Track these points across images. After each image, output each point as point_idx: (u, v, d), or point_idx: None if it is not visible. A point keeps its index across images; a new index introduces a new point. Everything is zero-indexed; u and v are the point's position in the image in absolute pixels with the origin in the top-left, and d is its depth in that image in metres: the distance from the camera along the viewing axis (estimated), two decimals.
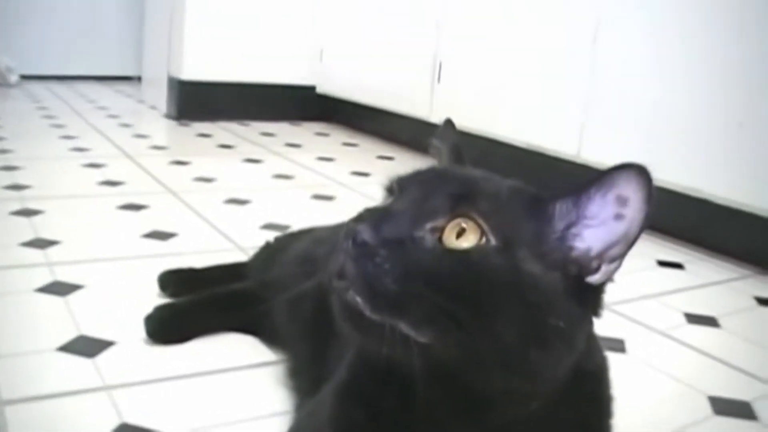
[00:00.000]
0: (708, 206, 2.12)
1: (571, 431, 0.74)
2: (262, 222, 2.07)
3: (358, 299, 0.62)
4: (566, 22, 2.55)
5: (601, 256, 0.67)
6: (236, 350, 1.31)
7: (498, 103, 2.82)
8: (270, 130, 3.66)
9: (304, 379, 1.10)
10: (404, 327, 0.62)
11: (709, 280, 1.93)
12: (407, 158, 3.25)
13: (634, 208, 0.65)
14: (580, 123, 2.47)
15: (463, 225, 0.64)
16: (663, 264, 2.02)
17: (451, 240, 0.64)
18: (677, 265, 2.02)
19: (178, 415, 1.09)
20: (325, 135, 3.73)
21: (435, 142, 0.86)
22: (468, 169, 0.77)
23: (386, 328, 0.62)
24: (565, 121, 2.53)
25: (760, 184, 1.99)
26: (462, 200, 0.65)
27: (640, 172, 0.64)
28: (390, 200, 0.70)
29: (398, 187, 0.70)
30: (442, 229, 0.64)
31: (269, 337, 1.32)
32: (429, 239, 0.64)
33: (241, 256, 1.75)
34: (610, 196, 0.66)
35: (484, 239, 0.64)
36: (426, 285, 0.61)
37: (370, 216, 0.65)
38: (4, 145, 2.85)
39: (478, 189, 0.68)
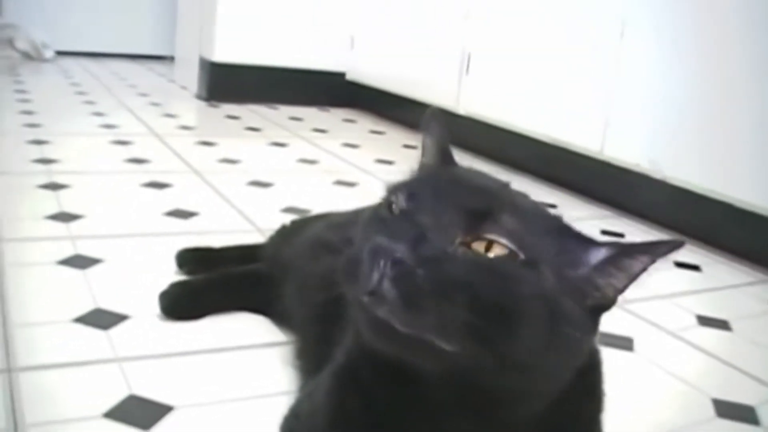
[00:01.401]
0: (728, 209, 2.12)
1: (568, 425, 0.76)
2: (283, 205, 2.09)
3: (393, 317, 0.62)
4: (593, 17, 2.55)
5: (616, 289, 0.70)
6: (247, 329, 1.34)
7: (524, 97, 2.83)
8: (298, 115, 3.68)
9: (310, 361, 1.12)
10: (434, 339, 0.63)
11: (724, 283, 1.93)
12: None
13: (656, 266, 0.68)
14: (605, 120, 2.47)
15: (492, 241, 0.65)
16: (680, 265, 2.02)
17: (480, 249, 0.65)
18: (694, 267, 2.02)
19: (185, 390, 1.11)
20: (353, 122, 3.74)
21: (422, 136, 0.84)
22: (478, 173, 0.77)
23: (415, 339, 0.63)
24: (590, 118, 2.53)
25: None
26: (488, 218, 0.66)
27: (677, 246, 0.68)
28: (403, 206, 0.69)
29: (407, 195, 0.69)
30: (470, 243, 0.65)
31: (280, 318, 1.34)
32: (460, 252, 0.64)
33: (260, 238, 1.77)
34: (647, 259, 0.69)
35: (511, 252, 0.65)
36: (460, 298, 0.62)
37: (398, 233, 0.65)
38: (35, 119, 2.89)
39: (501, 204, 0.68)
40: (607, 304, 0.70)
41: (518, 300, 0.64)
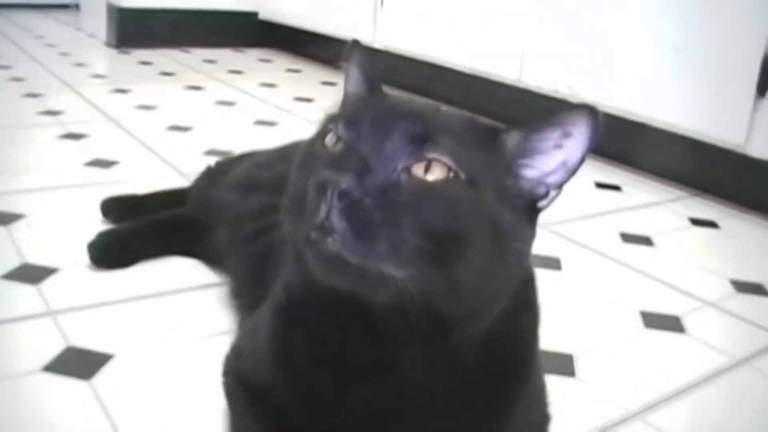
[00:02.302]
0: (646, 130, 2.17)
1: (509, 340, 0.78)
2: (205, 148, 2.07)
3: (344, 249, 0.62)
4: None
5: (545, 183, 0.70)
6: (180, 273, 1.33)
7: (441, 29, 2.82)
8: (212, 57, 3.62)
9: (246, 299, 1.13)
10: (387, 267, 0.63)
11: (645, 202, 1.98)
12: None
13: (575, 141, 0.68)
14: (521, 48, 2.49)
15: (430, 161, 0.65)
16: (601, 186, 2.07)
17: (420, 173, 0.65)
18: (615, 187, 2.08)
19: (123, 337, 1.11)
20: (269, 61, 3.70)
21: (344, 65, 0.83)
22: (412, 99, 0.76)
23: (367, 270, 0.63)
24: (507, 47, 2.55)
25: (696, 108, 2.03)
26: (427, 141, 0.66)
27: (589, 112, 0.67)
28: (343, 137, 0.68)
29: (345, 124, 0.69)
30: (410, 167, 0.65)
31: (211, 260, 1.34)
32: (404, 179, 0.65)
33: (184, 182, 1.75)
34: (557, 131, 0.69)
35: (452, 174, 0.65)
36: (409, 224, 0.63)
37: (341, 165, 0.64)
38: None
39: (439, 126, 0.68)
40: (540, 198, 0.71)
41: (464, 220, 0.65)
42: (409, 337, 0.70)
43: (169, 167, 1.90)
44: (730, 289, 1.50)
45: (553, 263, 1.52)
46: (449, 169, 0.65)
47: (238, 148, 2.03)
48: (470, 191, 0.66)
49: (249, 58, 3.73)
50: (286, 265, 0.85)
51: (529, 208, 0.71)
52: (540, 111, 2.46)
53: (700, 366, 1.20)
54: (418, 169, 0.65)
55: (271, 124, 2.43)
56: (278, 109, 2.66)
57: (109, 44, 3.75)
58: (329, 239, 0.62)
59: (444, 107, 0.75)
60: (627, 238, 1.70)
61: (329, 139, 0.69)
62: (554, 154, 0.69)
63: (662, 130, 2.13)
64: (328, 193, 0.62)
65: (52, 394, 0.97)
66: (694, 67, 2.01)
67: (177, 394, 1.00)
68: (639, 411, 1.07)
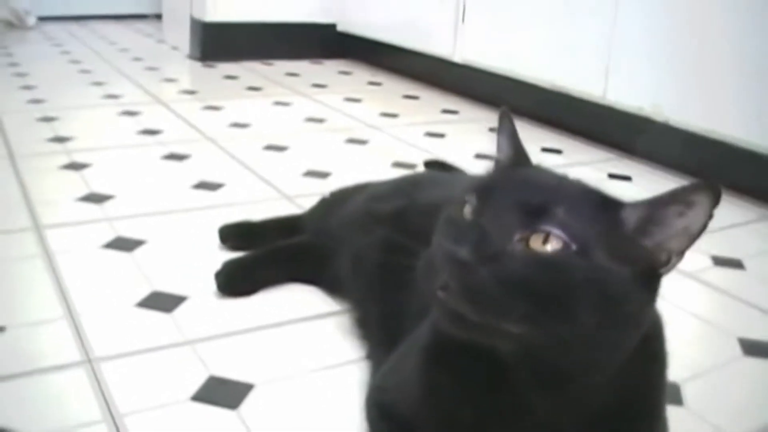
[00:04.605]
0: (728, 148, 2.18)
1: (637, 389, 0.84)
2: (304, 169, 2.14)
3: (461, 308, 0.71)
4: None
5: (666, 250, 0.75)
6: (303, 301, 1.40)
7: (522, 44, 2.86)
8: (294, 70, 3.70)
9: (374, 330, 1.19)
10: (501, 324, 0.71)
11: (729, 222, 1.99)
12: (432, 97, 3.30)
13: (698, 210, 0.72)
14: (605, 65, 2.51)
15: (548, 233, 0.71)
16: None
17: (537, 245, 0.71)
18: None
19: (259, 366, 1.18)
20: (348, 74, 3.77)
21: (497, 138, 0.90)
22: (542, 173, 0.83)
23: (485, 325, 0.71)
24: (591, 63, 2.57)
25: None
26: (543, 214, 0.72)
27: (712, 191, 0.71)
28: (474, 209, 0.76)
29: (479, 195, 0.76)
30: (528, 237, 0.71)
31: (331, 288, 1.41)
32: (518, 250, 0.71)
33: (288, 205, 1.83)
34: (680, 206, 0.73)
35: (565, 244, 0.71)
36: (519, 290, 0.70)
37: (464, 235, 0.73)
38: (37, 94, 2.91)
39: (556, 199, 0.74)
40: (661, 265, 0.75)
41: (571, 289, 0.71)
42: (535, 384, 0.78)
43: (272, 189, 1.97)
44: None
45: None
46: (564, 240, 0.71)
47: (335, 168, 2.12)
48: (580, 261, 0.71)
49: (329, 71, 3.80)
50: (423, 306, 0.92)
51: (650, 274, 0.75)
52: (624, 128, 2.52)
53: None
54: (536, 240, 0.71)
55: (362, 142, 2.50)
56: (366, 125, 2.72)
57: (192, 57, 3.87)
58: (451, 299, 0.71)
59: (570, 177, 0.81)
60: (718, 261, 1.73)
61: (466, 210, 0.77)
62: (675, 223, 0.73)
63: (743, 149, 2.14)
64: (448, 261, 0.71)
65: (204, 423, 1.05)
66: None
67: (317, 422, 1.06)
68: None
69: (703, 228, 0.73)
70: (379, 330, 1.17)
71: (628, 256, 0.73)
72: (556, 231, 0.71)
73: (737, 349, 1.36)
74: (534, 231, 0.71)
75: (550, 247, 0.71)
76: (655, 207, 0.74)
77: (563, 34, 2.68)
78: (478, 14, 3.10)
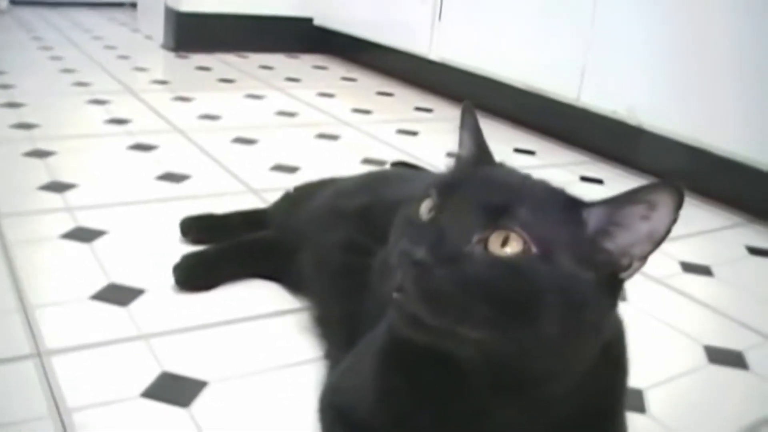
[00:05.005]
0: (702, 155, 2.18)
1: (598, 396, 0.82)
2: (272, 163, 2.11)
3: (418, 311, 0.69)
4: None
5: (629, 254, 0.72)
6: (261, 297, 1.37)
7: (499, 44, 2.84)
8: (268, 63, 3.67)
9: (334, 329, 1.17)
10: (459, 328, 0.69)
11: (704, 228, 1.99)
12: (407, 94, 3.28)
13: (661, 213, 0.70)
14: (581, 67, 2.50)
15: (508, 234, 0.69)
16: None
17: (496, 247, 0.69)
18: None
19: (214, 363, 1.15)
20: (324, 68, 3.74)
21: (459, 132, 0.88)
22: (504, 172, 0.81)
23: (443, 329, 0.69)
24: (566, 64, 2.56)
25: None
26: (504, 213, 0.70)
27: (674, 190, 0.69)
28: (434, 207, 0.74)
29: (440, 192, 0.74)
30: (487, 238, 0.69)
31: (292, 285, 1.38)
32: (477, 252, 0.69)
33: (254, 199, 1.80)
34: (642, 206, 0.71)
35: (526, 246, 0.69)
36: (478, 294, 0.68)
37: (422, 235, 0.71)
38: (6, 79, 2.85)
39: (519, 199, 0.72)
40: (623, 270, 0.73)
41: (533, 294, 0.68)
42: (494, 389, 0.76)
43: (239, 183, 1.94)
44: None
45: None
46: (524, 241, 0.69)
47: (304, 163, 2.10)
48: (542, 265, 0.69)
49: (304, 65, 3.77)
50: (382, 307, 0.90)
51: (612, 279, 0.73)
52: (597, 131, 2.51)
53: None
54: (495, 241, 0.69)
55: (333, 138, 2.47)
56: (338, 121, 2.69)
57: (166, 47, 3.82)
58: (407, 300, 0.69)
59: (534, 178, 0.79)
60: (687, 267, 1.72)
61: (424, 207, 0.75)
62: (639, 227, 0.71)
63: (721, 157, 2.13)
64: (404, 262, 0.69)
65: (153, 420, 1.02)
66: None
67: (272, 422, 1.04)
68: None
69: (668, 232, 0.71)
70: (338, 329, 1.14)
71: (592, 261, 0.71)
72: (517, 229, 0.69)
73: (702, 357, 1.35)
74: (495, 229, 0.69)
75: (510, 250, 0.69)
76: (616, 206, 0.72)
77: (539, 35, 2.67)
78: (454, 12, 3.08)
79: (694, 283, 1.65)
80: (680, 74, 2.21)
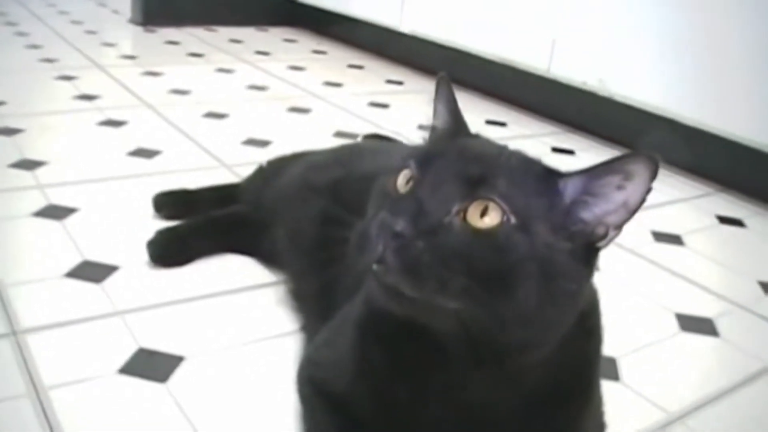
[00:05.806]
0: (673, 125, 2.20)
1: (573, 365, 0.83)
2: (243, 137, 2.11)
3: (398, 283, 0.69)
4: None
5: (605, 223, 0.73)
6: (235, 272, 1.38)
7: (469, 15, 2.83)
8: (238, 37, 3.64)
9: (310, 302, 1.17)
10: (438, 300, 0.69)
11: (672, 198, 2.02)
12: (377, 66, 3.28)
13: (637, 182, 0.71)
14: (551, 38, 2.50)
15: (486, 204, 0.69)
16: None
17: (475, 219, 0.69)
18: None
19: (191, 339, 1.16)
20: (294, 41, 3.71)
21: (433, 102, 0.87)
22: (481, 143, 0.81)
23: (422, 301, 0.69)
24: (536, 36, 2.56)
25: (729, 107, 2.06)
26: (482, 183, 0.70)
27: (650, 160, 0.70)
28: (412, 179, 0.74)
29: (418, 164, 0.74)
30: (466, 209, 0.70)
31: (267, 259, 1.38)
32: (456, 223, 0.69)
33: (227, 173, 1.80)
34: (618, 176, 0.71)
35: (505, 217, 0.69)
36: (457, 265, 0.68)
37: (401, 207, 0.70)
38: None
39: (497, 169, 0.72)
40: (599, 239, 0.74)
41: (511, 265, 0.69)
42: (471, 361, 0.76)
43: (210, 157, 1.93)
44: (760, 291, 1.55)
45: None
46: (503, 211, 0.69)
47: (276, 137, 2.09)
48: (520, 235, 0.69)
49: (274, 38, 3.74)
50: (357, 279, 0.90)
51: (588, 248, 0.74)
52: (568, 102, 2.52)
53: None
54: (474, 212, 0.69)
55: (304, 111, 2.46)
56: (309, 94, 2.68)
57: (134, 21, 3.77)
58: (387, 272, 0.68)
59: (511, 148, 0.79)
60: (658, 236, 1.74)
61: (402, 178, 0.75)
62: (614, 197, 0.72)
63: (688, 126, 2.15)
64: (384, 234, 0.68)
65: (131, 396, 1.02)
66: (728, 64, 2.03)
67: (250, 396, 1.04)
68: (680, 415, 1.11)
69: (642, 201, 0.71)
70: (314, 302, 1.15)
71: (568, 230, 0.72)
72: (496, 199, 0.69)
73: (674, 325, 1.37)
74: (474, 200, 0.69)
75: (488, 220, 0.69)
76: (592, 177, 0.73)
77: (510, 6, 2.66)
78: None
79: (666, 252, 1.67)
80: (650, 45, 2.22)
